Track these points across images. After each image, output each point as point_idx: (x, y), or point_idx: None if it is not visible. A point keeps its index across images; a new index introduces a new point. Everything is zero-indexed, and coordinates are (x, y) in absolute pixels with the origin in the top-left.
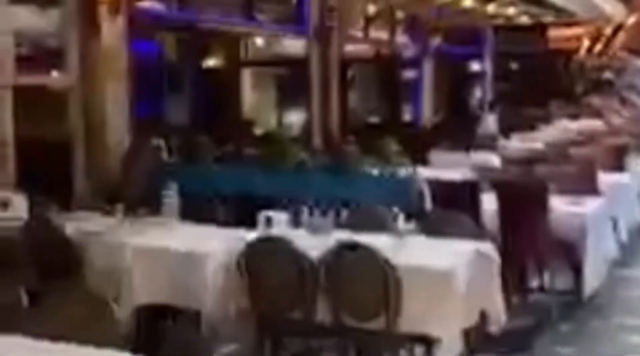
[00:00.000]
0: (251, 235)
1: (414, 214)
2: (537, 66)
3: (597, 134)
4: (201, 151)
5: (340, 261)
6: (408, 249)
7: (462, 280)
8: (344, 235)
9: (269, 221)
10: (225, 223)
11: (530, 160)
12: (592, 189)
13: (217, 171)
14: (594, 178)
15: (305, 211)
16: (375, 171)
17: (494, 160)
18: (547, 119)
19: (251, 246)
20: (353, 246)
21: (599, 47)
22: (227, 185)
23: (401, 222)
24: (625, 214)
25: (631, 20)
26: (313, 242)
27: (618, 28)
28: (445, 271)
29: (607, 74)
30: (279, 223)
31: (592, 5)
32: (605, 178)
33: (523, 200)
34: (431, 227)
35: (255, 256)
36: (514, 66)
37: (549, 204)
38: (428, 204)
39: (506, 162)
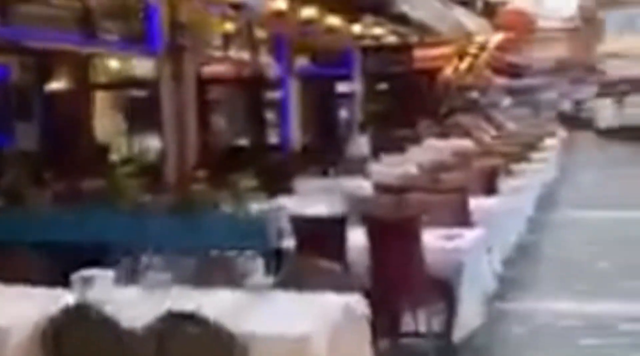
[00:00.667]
0: (67, 298)
1: (273, 259)
2: (405, 86)
3: (468, 155)
4: (30, 189)
5: (173, 333)
6: (260, 311)
7: (323, 346)
8: (186, 294)
9: (86, 282)
10: (43, 281)
11: (403, 188)
12: (465, 221)
13: (45, 213)
14: (466, 208)
15: (141, 263)
16: (227, 210)
17: (365, 187)
18: (416, 140)
19: (60, 317)
20: (188, 316)
21: (464, 66)
22: (54, 231)
23: (256, 272)
24: (500, 243)
25: (495, 39)
26: (144, 307)
27: (482, 47)
28: (302, 337)
29: (474, 94)
30: (103, 283)
31: (457, 23)
32: (478, 205)
33: (394, 235)
34: (291, 277)
35: (64, 329)
36: (382, 86)
37: (422, 239)
38: (291, 243)
39: (378, 190)
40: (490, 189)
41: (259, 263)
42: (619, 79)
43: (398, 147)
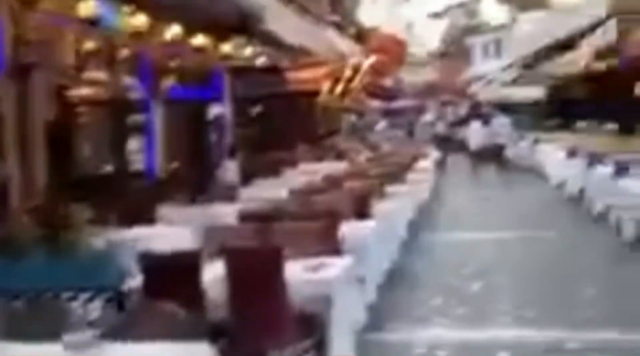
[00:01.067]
0: None
1: (114, 302)
2: (280, 108)
3: (341, 177)
4: None
5: None
6: None
7: None
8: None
9: None
10: None
11: (269, 215)
12: (335, 248)
13: None
14: (336, 235)
15: None
16: (62, 246)
17: (230, 215)
18: (293, 163)
19: None
20: None
21: (339, 89)
22: None
23: (88, 318)
24: (372, 270)
25: (367, 63)
26: None
27: (356, 70)
28: None
29: (351, 117)
30: None
31: (330, 45)
32: (349, 230)
33: (255, 268)
34: (126, 326)
35: None
36: (256, 109)
37: (287, 272)
38: (136, 283)
39: (243, 218)
40: (362, 213)
41: (97, 306)
42: (487, 101)
43: (272, 171)
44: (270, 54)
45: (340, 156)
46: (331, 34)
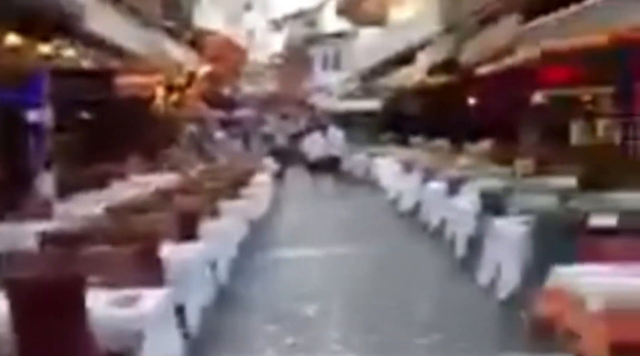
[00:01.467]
0: None
1: None
2: (109, 115)
3: (170, 192)
4: None
5: None
6: None
7: None
8: None
9: None
10: None
11: (77, 237)
12: (153, 276)
13: None
14: (155, 261)
15: None
16: None
17: (29, 237)
18: (122, 175)
19: None
20: None
21: (175, 97)
22: None
23: None
24: (196, 297)
25: (204, 70)
26: None
27: (191, 78)
28: None
29: (191, 126)
30: None
31: (161, 50)
32: (172, 253)
33: (49, 304)
34: None
35: None
36: (83, 115)
37: (92, 306)
38: None
39: (44, 241)
40: (189, 233)
41: None
42: (326, 112)
43: (98, 184)
44: (97, 57)
45: (174, 167)
46: (164, 39)
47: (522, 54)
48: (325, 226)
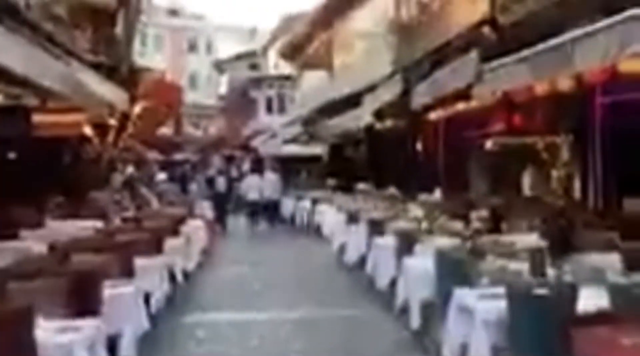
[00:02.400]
0: None
1: None
2: (27, 155)
3: (67, 249)
4: None
5: None
6: None
7: None
8: None
9: None
10: None
11: None
12: None
13: None
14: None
15: None
16: None
17: None
18: (37, 222)
19: None
20: None
21: (109, 138)
22: None
23: None
24: None
25: (137, 110)
26: None
27: (126, 117)
28: None
29: (128, 168)
30: None
31: (83, 88)
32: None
33: None
34: None
35: None
36: None
37: None
38: None
39: None
40: (83, 308)
41: None
42: (269, 156)
43: (6, 232)
44: (10, 93)
45: (100, 212)
46: (88, 76)
47: (476, 98)
48: (263, 281)
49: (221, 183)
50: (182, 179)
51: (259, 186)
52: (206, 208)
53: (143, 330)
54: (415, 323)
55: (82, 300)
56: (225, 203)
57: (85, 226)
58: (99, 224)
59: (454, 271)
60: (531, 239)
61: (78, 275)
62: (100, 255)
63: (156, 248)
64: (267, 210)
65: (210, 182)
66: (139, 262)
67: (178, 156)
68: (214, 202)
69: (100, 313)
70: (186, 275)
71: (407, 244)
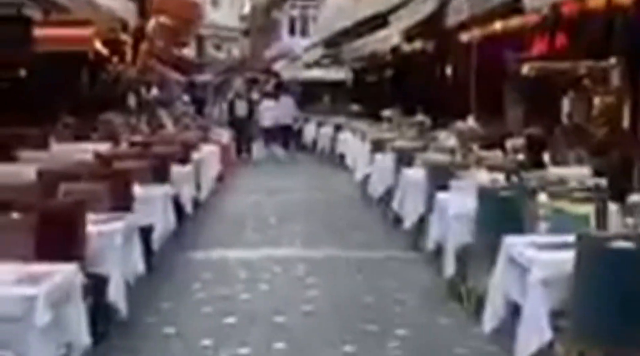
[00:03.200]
0: None
1: None
2: (34, 71)
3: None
4: None
5: None
6: None
7: None
8: None
9: None
10: None
11: None
12: None
13: None
14: None
15: None
16: None
17: None
18: (42, 143)
19: None
20: None
21: (127, 56)
22: None
23: None
24: None
25: (151, 25)
26: None
27: (140, 34)
28: None
29: (151, 89)
30: None
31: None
32: None
33: None
34: None
35: None
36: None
37: None
38: None
39: None
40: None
41: None
42: (291, 80)
43: (5, 154)
44: (12, 4)
45: (111, 134)
46: None
47: (529, 9)
48: (280, 215)
49: (241, 107)
50: (201, 102)
51: (273, 111)
52: (223, 133)
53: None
54: (450, 269)
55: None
56: (245, 129)
57: (91, 149)
58: (105, 147)
59: (501, 213)
60: (582, 174)
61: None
62: (95, 184)
63: (161, 176)
64: (282, 135)
65: (231, 106)
66: (139, 192)
67: (199, 78)
68: (234, 128)
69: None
70: (197, 205)
71: (440, 178)
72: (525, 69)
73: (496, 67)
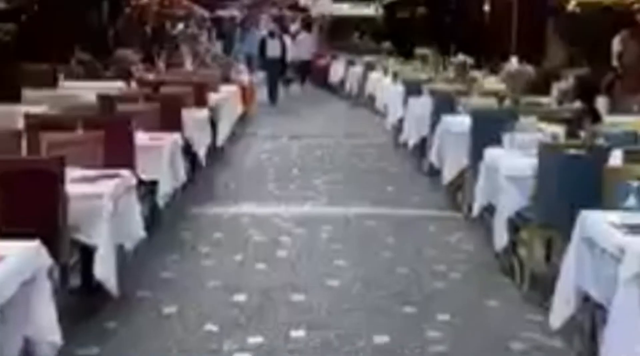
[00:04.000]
0: None
1: None
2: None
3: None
4: None
5: None
6: None
7: None
8: None
9: None
10: None
11: None
12: None
13: None
14: None
15: None
16: None
17: None
18: (51, 81)
19: None
20: None
21: None
22: None
23: None
24: None
25: None
26: None
27: None
28: None
29: (179, 25)
30: None
31: None
32: None
33: None
34: None
35: None
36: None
37: None
38: None
39: None
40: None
41: None
42: (319, 16)
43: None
44: None
45: (125, 73)
46: None
47: None
48: (295, 168)
49: (273, 47)
50: (228, 39)
51: (292, 47)
52: (245, 72)
53: None
54: (501, 241)
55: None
56: (278, 71)
57: (101, 87)
58: (116, 86)
59: (568, 177)
60: None
61: None
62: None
63: (171, 122)
64: (300, 70)
65: (262, 46)
66: (143, 140)
67: (222, 13)
68: (265, 69)
69: None
70: (213, 153)
71: (487, 129)
72: (570, 4)
73: (539, 2)
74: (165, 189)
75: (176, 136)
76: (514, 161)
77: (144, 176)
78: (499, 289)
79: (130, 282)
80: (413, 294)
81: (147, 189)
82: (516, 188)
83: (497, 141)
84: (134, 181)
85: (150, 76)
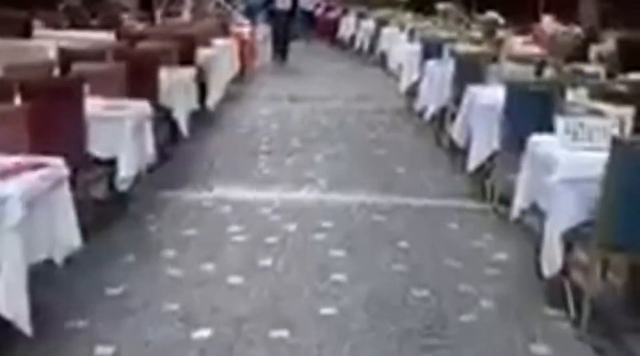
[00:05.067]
0: None
1: None
2: None
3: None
4: None
5: None
6: None
7: None
8: None
9: None
10: None
11: None
12: None
13: None
14: None
15: None
16: None
17: None
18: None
19: None
20: None
21: None
22: None
23: None
24: None
25: None
26: None
27: None
28: None
29: None
30: None
31: None
32: None
33: None
34: None
35: None
36: None
37: None
38: None
39: None
40: None
41: None
42: None
43: None
44: None
45: (113, 22)
46: None
47: None
48: (295, 139)
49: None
50: None
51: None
52: (246, 24)
53: None
54: (554, 266)
55: None
56: (287, 25)
57: (83, 38)
58: (100, 37)
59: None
60: None
61: None
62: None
63: (138, 87)
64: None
65: None
66: (101, 110)
67: None
68: (272, 23)
69: None
70: (201, 118)
71: (527, 104)
72: None
73: None
74: (126, 170)
75: (144, 104)
76: (572, 157)
77: (98, 153)
78: (547, 326)
79: (59, 307)
80: (432, 333)
81: (104, 170)
82: (576, 195)
83: (538, 121)
84: (65, 172)
85: (140, 27)
